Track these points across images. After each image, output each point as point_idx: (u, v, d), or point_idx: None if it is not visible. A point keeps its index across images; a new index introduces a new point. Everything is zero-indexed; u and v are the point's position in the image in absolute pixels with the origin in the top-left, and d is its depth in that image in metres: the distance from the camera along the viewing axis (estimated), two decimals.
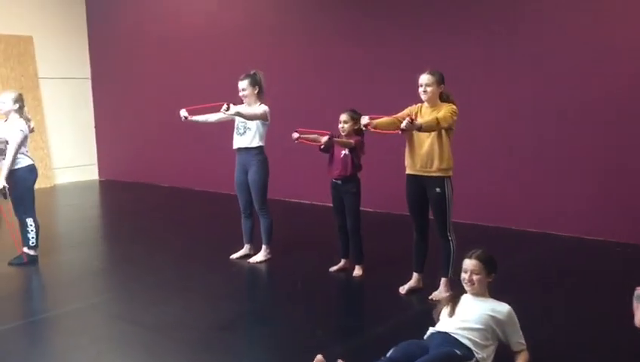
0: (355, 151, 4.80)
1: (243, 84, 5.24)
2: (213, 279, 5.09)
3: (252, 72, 5.28)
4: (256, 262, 5.44)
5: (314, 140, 4.89)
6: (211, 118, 5.40)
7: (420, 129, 3.93)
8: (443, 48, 6.62)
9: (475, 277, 3.24)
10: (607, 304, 4.22)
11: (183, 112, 5.30)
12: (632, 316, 3.04)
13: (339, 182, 4.90)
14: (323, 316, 4.23)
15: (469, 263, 3.27)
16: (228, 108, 4.91)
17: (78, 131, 11.13)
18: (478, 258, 3.26)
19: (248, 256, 5.56)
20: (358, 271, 4.99)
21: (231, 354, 3.59)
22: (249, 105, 5.26)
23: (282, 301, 4.60)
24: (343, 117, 4.82)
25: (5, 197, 5.38)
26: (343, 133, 4.82)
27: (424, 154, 4.19)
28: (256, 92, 5.25)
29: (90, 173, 11.34)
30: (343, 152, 4.82)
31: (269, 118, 5.23)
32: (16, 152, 5.32)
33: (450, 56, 6.43)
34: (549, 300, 4.36)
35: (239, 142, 5.33)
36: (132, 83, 10.51)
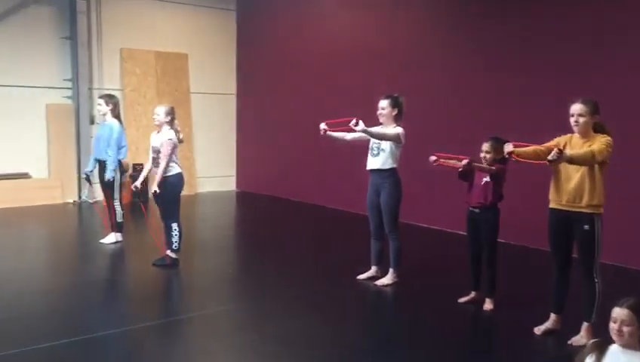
0: (497, 178, 4.61)
1: (383, 104, 5.26)
2: (339, 298, 5.10)
3: (395, 95, 5.29)
4: (383, 285, 5.38)
5: (453, 164, 4.76)
6: (348, 136, 5.45)
7: (571, 161, 3.69)
8: (596, 76, 6.19)
9: (625, 329, 2.94)
10: None
11: (323, 125, 5.36)
12: None
13: (477, 210, 4.73)
14: (448, 349, 4.06)
15: (619, 312, 2.97)
16: (357, 124, 4.91)
17: (221, 144, 11.77)
18: (630, 307, 2.95)
19: (375, 277, 5.52)
20: (488, 305, 4.76)
21: None
22: (384, 125, 5.26)
23: (405, 327, 4.50)
24: (485, 146, 4.65)
25: (156, 202, 5.80)
26: (486, 164, 4.64)
27: (572, 189, 3.92)
28: (394, 114, 5.24)
29: (228, 183, 11.93)
30: (485, 179, 4.64)
31: (402, 139, 5.18)
32: (168, 161, 5.71)
33: (602, 84, 6.00)
34: None
35: (372, 163, 5.34)
36: (273, 100, 10.95)
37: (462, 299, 4.92)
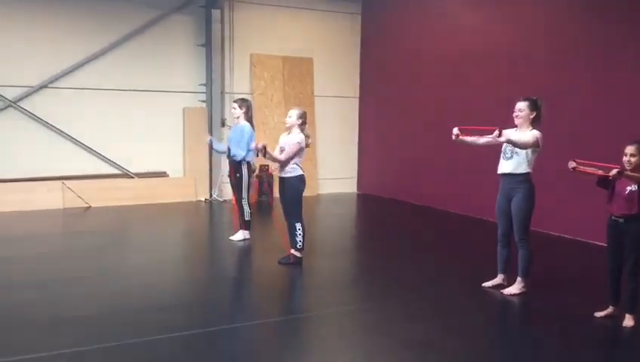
0: None
1: (521, 105, 5.08)
2: (465, 305, 4.98)
3: (534, 97, 5.10)
4: (510, 294, 5.18)
5: (593, 171, 4.46)
6: (480, 140, 5.22)
7: None
8: None
9: None
10: None
11: (455, 130, 5.21)
12: None
13: (620, 220, 4.41)
14: None
15: None
16: (500, 135, 4.76)
17: (342, 146, 11.92)
18: None
19: (501, 286, 5.33)
20: (629, 322, 4.42)
21: None
22: (520, 126, 5.08)
23: (533, 342, 4.29)
24: (630, 149, 4.32)
25: (264, 156, 5.87)
26: (628, 168, 4.32)
27: None
28: (532, 116, 5.05)
29: (349, 185, 12.05)
30: (629, 188, 4.33)
31: (540, 144, 4.96)
32: (289, 160, 5.88)
33: None
34: None
35: (505, 166, 5.15)
36: (396, 103, 10.91)
37: (599, 314, 4.62)
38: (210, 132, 10.31)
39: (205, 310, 4.81)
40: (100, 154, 9.87)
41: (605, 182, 4.44)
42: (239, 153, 6.90)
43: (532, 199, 5.08)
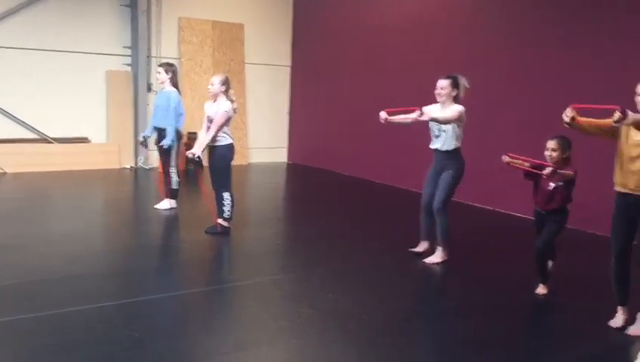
0: (570, 183, 4.40)
1: (443, 83, 5.18)
2: (387, 274, 5.08)
3: (456, 75, 5.20)
4: (432, 263, 5.34)
5: (521, 166, 4.53)
6: (408, 119, 5.29)
7: (637, 124, 3.43)
8: None
9: None
10: None
11: (383, 114, 5.31)
12: None
13: (544, 212, 4.56)
14: (499, 332, 4.00)
15: None
16: (422, 114, 4.87)
17: (273, 115, 11.82)
18: None
19: (424, 252, 5.50)
20: (542, 290, 4.65)
21: (398, 352, 3.54)
22: (443, 103, 5.17)
23: (454, 308, 4.44)
24: (551, 144, 4.40)
25: (200, 166, 5.82)
26: (550, 162, 4.40)
27: (638, 172, 3.73)
28: (453, 94, 5.17)
29: (280, 155, 12.00)
30: (552, 184, 4.44)
31: (464, 118, 5.09)
32: (218, 131, 5.77)
33: None
34: None
35: (435, 143, 5.29)
36: (328, 73, 10.88)
37: (538, 290, 4.73)
38: (136, 96, 9.98)
39: (129, 280, 4.68)
40: (15, 117, 9.34)
41: (532, 177, 4.55)
42: (166, 122, 6.70)
43: (460, 174, 5.23)
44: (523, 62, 7.42)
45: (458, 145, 5.19)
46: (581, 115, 3.82)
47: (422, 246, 5.56)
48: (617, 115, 3.33)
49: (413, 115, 5.03)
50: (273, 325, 3.88)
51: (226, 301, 4.40)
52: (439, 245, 5.37)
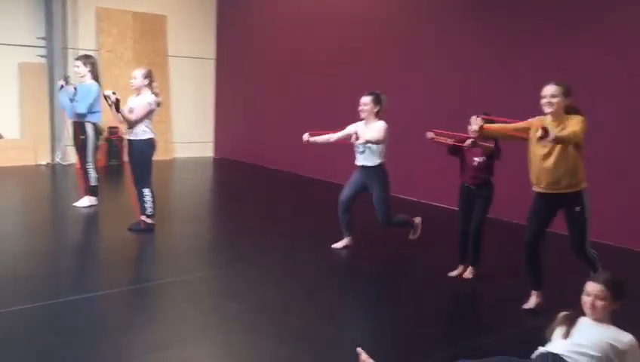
0: (493, 156, 4.60)
1: (366, 100, 5.30)
2: (316, 267, 5.10)
3: (377, 92, 5.34)
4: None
5: (445, 140, 4.71)
6: (332, 138, 5.47)
7: (556, 141, 3.63)
8: (571, 55, 6.20)
9: (598, 303, 2.98)
10: None
11: (305, 136, 5.46)
12: None
13: (472, 186, 4.73)
14: (426, 319, 4.11)
15: (592, 287, 3.01)
16: (357, 138, 5.05)
17: (198, 109, 11.62)
18: (604, 282, 2.99)
19: (348, 246, 5.60)
20: (469, 274, 4.82)
21: (326, 343, 3.57)
22: (366, 120, 5.31)
23: (385, 298, 4.53)
24: (477, 121, 4.59)
25: (116, 108, 5.49)
26: (473, 137, 4.60)
27: (549, 173, 3.91)
28: (376, 110, 5.29)
29: (206, 149, 11.82)
30: (476, 159, 4.63)
31: (387, 135, 5.23)
32: (138, 121, 5.60)
33: (577, 64, 6.04)
34: None
35: (360, 160, 5.40)
36: (253, 66, 10.80)
37: (452, 273, 4.91)
38: (52, 89, 9.53)
39: (49, 281, 4.47)
40: None
41: (456, 151, 4.71)
42: (83, 113, 6.46)
43: (388, 187, 5.38)
44: (447, 55, 7.63)
45: (382, 160, 5.32)
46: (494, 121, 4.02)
47: (345, 242, 5.62)
48: (541, 132, 3.52)
49: (349, 138, 5.16)
50: (199, 322, 3.83)
51: (150, 299, 4.29)
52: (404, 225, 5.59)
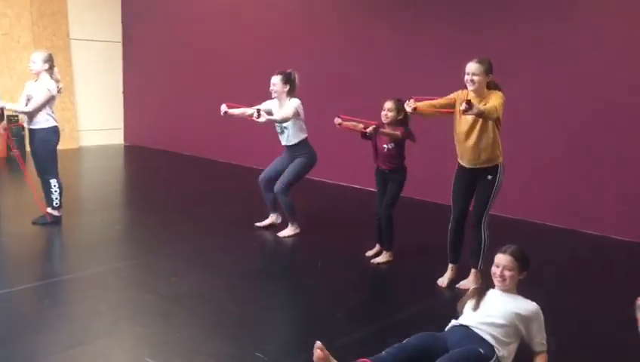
0: (400, 143, 4.67)
1: (275, 80, 5.26)
2: (231, 253, 5.05)
3: (288, 71, 5.29)
4: (284, 237, 5.46)
5: (355, 126, 4.74)
6: (248, 112, 5.36)
7: (480, 113, 3.77)
8: (489, 35, 6.42)
9: (507, 274, 3.15)
10: (625, 307, 4.10)
11: (224, 107, 5.35)
12: None
13: (386, 171, 4.81)
14: (345, 299, 4.17)
15: (502, 258, 3.18)
16: (259, 116, 4.98)
17: (106, 95, 11.14)
18: (512, 254, 3.16)
19: (273, 224, 5.61)
20: (383, 258, 4.89)
21: (246, 330, 3.55)
22: (278, 100, 5.29)
23: (304, 281, 4.56)
24: (388, 105, 4.63)
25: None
26: (386, 122, 4.66)
27: (472, 147, 4.09)
28: (286, 89, 5.27)
29: (115, 137, 11.38)
30: (386, 146, 4.68)
31: (301, 111, 5.23)
32: (38, 109, 5.32)
33: (496, 43, 6.28)
34: (573, 300, 4.26)
35: (282, 140, 5.40)
36: (163, 50, 10.46)
37: (369, 253, 5.00)
38: None
39: None
40: None
41: (368, 137, 4.76)
42: None
43: (312, 162, 5.39)
44: (362, 41, 7.70)
45: (303, 136, 5.32)
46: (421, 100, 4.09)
47: (269, 220, 5.62)
48: (464, 105, 3.64)
49: (254, 114, 5.09)
50: (114, 315, 3.70)
51: (61, 295, 4.10)
52: (289, 221, 5.49)
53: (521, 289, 3.23)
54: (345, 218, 6.35)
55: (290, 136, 5.31)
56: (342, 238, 5.57)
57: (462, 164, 4.25)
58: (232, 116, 5.44)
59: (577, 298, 4.31)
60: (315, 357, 2.81)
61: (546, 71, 6.16)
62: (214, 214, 6.34)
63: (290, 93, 5.28)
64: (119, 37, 11.19)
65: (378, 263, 4.84)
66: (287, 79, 5.26)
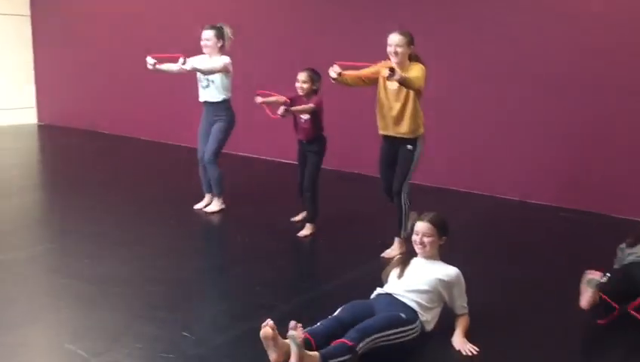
0: (316, 115, 4.68)
1: (207, 34, 5.08)
2: (155, 232, 4.93)
3: (219, 25, 5.13)
4: (211, 212, 5.38)
5: (274, 103, 4.73)
6: (173, 67, 5.09)
7: (403, 81, 3.82)
8: (413, 6, 6.48)
9: (426, 240, 3.23)
10: (543, 268, 4.32)
11: (150, 60, 5.02)
12: (565, 281, 3.12)
13: (305, 142, 4.84)
14: (270, 273, 4.16)
15: (421, 226, 3.25)
16: (184, 62, 4.78)
17: (14, 71, 10.51)
18: (430, 221, 3.24)
19: (209, 205, 5.50)
20: (306, 231, 4.90)
21: (169, 310, 3.48)
22: (210, 56, 5.11)
23: (227, 257, 4.52)
24: (302, 76, 4.67)
25: None
26: (301, 94, 4.69)
27: (395, 117, 4.16)
28: (219, 45, 5.10)
29: (28, 116, 10.79)
30: (304, 118, 4.71)
31: (230, 69, 5.09)
32: None
33: (418, 13, 6.35)
34: (492, 265, 4.42)
35: (204, 95, 5.21)
36: (77, 23, 9.93)
37: (295, 218, 5.05)
38: None
39: None
40: None
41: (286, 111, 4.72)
42: None
43: (231, 125, 5.27)
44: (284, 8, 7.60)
45: (227, 96, 5.19)
46: (345, 68, 4.07)
47: (207, 200, 5.51)
48: (388, 72, 3.68)
49: (178, 64, 4.88)
50: (33, 302, 3.54)
51: None
52: (214, 196, 5.42)
53: (443, 255, 3.32)
54: (269, 192, 6.33)
55: (214, 92, 5.13)
56: (266, 213, 5.54)
57: (384, 134, 4.30)
58: (159, 71, 5.11)
59: (497, 262, 4.49)
60: (262, 334, 2.73)
61: (462, 45, 6.30)
62: (134, 194, 6.15)
63: (222, 50, 5.14)
64: (27, 10, 10.54)
65: (304, 236, 4.85)
66: (221, 33, 5.10)
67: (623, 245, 3.97)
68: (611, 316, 3.37)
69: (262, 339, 2.74)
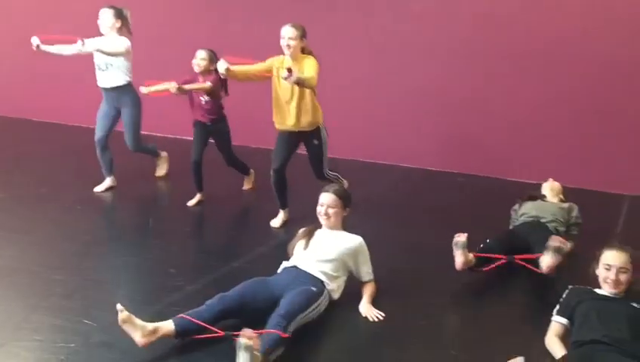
0: (215, 94, 4.63)
1: (105, 14, 4.84)
2: (55, 218, 4.69)
3: (119, 7, 4.90)
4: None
5: (163, 92, 4.62)
6: (65, 50, 4.78)
7: (299, 82, 3.85)
8: None
9: (330, 211, 3.30)
10: (447, 234, 4.49)
11: (35, 40, 4.66)
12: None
13: (207, 123, 4.75)
14: (176, 254, 4.08)
15: (325, 197, 3.32)
16: (84, 44, 4.52)
17: None
18: (335, 192, 3.33)
19: (113, 188, 5.31)
20: (247, 185, 5.24)
21: (72, 299, 3.35)
22: (107, 35, 4.89)
23: (133, 240, 4.40)
24: (201, 54, 4.60)
25: None
26: (198, 72, 4.63)
27: (293, 112, 4.18)
28: (118, 25, 4.87)
29: None
30: (202, 99, 4.64)
31: (131, 50, 4.90)
32: None
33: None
34: (396, 233, 4.51)
35: (103, 80, 4.99)
36: None
37: (190, 203, 4.94)
38: None
39: None
40: None
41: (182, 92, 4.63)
42: None
43: (140, 107, 5.11)
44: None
45: (129, 79, 5.01)
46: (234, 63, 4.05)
47: (109, 182, 5.31)
48: (286, 73, 3.71)
49: (75, 47, 4.58)
50: None
51: None
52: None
53: (348, 225, 3.39)
54: (175, 172, 6.17)
55: (115, 75, 4.94)
56: (167, 191, 5.49)
57: (283, 128, 4.30)
58: (46, 53, 4.77)
59: (401, 229, 4.61)
60: (119, 320, 2.68)
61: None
62: (33, 179, 5.78)
63: (121, 32, 4.91)
64: None
65: (195, 205, 4.89)
66: (119, 14, 4.88)
67: (516, 206, 4.23)
68: (498, 264, 3.57)
69: (120, 326, 2.69)
